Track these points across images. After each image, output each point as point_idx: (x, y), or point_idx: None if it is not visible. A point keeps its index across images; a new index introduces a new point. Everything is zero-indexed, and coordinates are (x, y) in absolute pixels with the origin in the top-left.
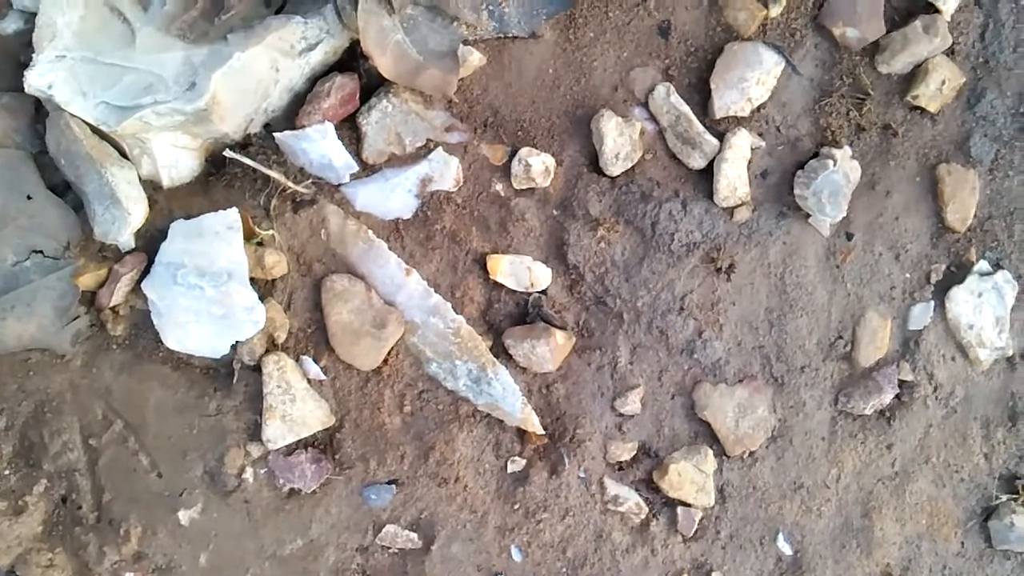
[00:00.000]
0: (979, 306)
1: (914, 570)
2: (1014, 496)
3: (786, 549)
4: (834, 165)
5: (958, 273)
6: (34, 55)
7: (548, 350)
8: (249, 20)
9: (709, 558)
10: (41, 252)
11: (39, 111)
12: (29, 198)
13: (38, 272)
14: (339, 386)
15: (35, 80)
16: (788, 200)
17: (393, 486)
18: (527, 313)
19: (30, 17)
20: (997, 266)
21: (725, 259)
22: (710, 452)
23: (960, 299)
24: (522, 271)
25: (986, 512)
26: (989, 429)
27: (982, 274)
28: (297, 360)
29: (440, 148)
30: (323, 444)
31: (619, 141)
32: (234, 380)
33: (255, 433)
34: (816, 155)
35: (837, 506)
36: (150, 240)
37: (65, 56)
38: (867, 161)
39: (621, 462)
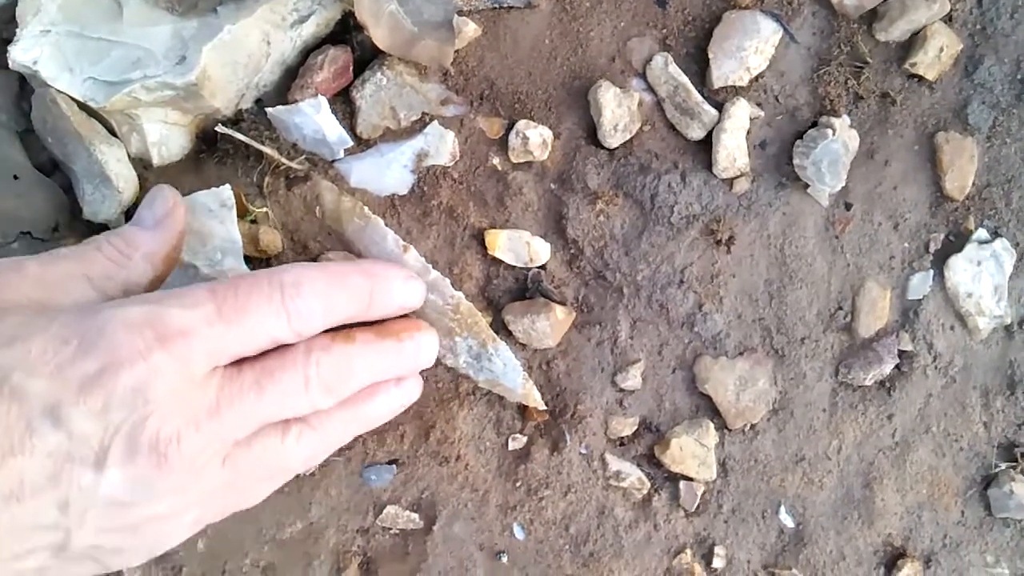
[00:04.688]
0: (978, 274)
1: (915, 539)
2: (1013, 464)
3: (788, 521)
4: (833, 134)
5: (957, 242)
6: (18, 30)
7: (548, 325)
8: None
9: (712, 532)
10: (29, 233)
11: (24, 88)
12: (16, 178)
13: (27, 253)
14: None
15: (19, 56)
16: (787, 170)
17: (393, 466)
18: (526, 288)
19: None
20: (995, 234)
21: (725, 231)
22: (711, 426)
23: (959, 268)
24: (521, 246)
25: (986, 480)
26: (988, 398)
27: (981, 242)
28: None
29: (436, 122)
30: None
31: (617, 112)
32: None
33: None
34: (815, 124)
35: (838, 477)
36: None
37: (50, 31)
38: (865, 130)
39: (622, 437)
